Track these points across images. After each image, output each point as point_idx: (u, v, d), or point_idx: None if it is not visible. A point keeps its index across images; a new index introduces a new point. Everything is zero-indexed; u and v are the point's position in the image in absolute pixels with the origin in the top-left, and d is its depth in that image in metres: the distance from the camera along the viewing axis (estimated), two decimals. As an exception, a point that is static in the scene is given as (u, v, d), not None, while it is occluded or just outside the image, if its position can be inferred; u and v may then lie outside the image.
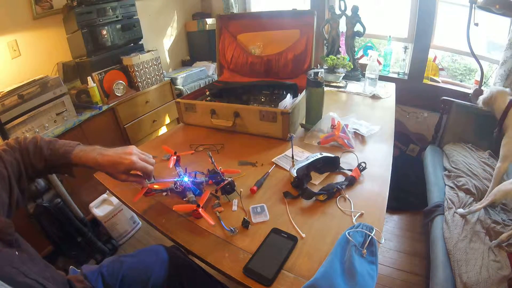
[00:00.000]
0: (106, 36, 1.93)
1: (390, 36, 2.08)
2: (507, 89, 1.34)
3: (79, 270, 0.80)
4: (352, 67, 1.79)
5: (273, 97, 1.31)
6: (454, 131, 1.75)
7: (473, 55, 1.68)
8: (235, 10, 2.62)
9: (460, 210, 1.22)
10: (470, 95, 1.74)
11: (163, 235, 0.76)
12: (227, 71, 1.62)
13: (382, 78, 1.84)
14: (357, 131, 1.14)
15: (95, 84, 1.87)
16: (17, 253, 0.54)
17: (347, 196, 0.82)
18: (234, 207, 0.81)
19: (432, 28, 1.96)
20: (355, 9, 1.85)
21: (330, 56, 1.78)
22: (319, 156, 0.91)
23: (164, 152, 1.06)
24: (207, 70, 2.63)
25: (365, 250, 0.62)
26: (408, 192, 1.90)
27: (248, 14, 2.41)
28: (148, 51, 2.17)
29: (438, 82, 2.06)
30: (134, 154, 0.68)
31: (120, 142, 2.03)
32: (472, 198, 1.32)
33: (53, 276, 0.60)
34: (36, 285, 0.51)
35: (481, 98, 1.41)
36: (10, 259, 0.51)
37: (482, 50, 1.93)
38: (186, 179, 0.84)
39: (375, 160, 0.97)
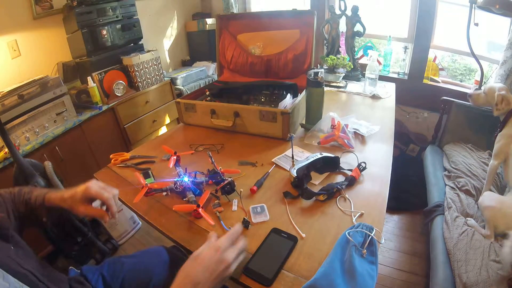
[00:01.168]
0: (106, 36, 1.93)
1: (390, 36, 2.08)
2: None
3: (78, 271, 0.80)
4: (352, 67, 1.79)
5: (273, 97, 1.31)
6: (454, 131, 1.75)
7: (473, 55, 1.68)
8: (235, 10, 2.62)
9: (472, 222, 1.19)
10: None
11: (163, 235, 0.76)
12: (227, 71, 1.62)
13: (382, 78, 1.84)
14: (357, 131, 1.14)
15: (95, 84, 1.87)
16: (12, 248, 0.55)
17: (347, 196, 0.82)
18: (234, 207, 0.81)
19: (432, 28, 1.96)
20: (355, 9, 1.85)
21: (330, 56, 1.78)
22: (319, 156, 0.91)
23: (164, 152, 1.06)
24: (207, 70, 2.63)
25: (365, 250, 0.62)
26: (408, 192, 1.90)
27: (248, 14, 2.41)
28: (148, 51, 2.17)
29: (438, 82, 2.06)
30: (92, 182, 0.69)
31: (120, 142, 2.03)
32: (474, 200, 1.32)
33: (50, 275, 0.61)
34: (30, 276, 0.52)
35: (480, 95, 1.37)
36: (7, 250, 0.53)
37: (482, 50, 1.93)
38: (186, 179, 0.84)
39: (375, 160, 0.97)
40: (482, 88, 1.39)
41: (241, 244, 0.59)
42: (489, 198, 1.14)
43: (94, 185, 0.67)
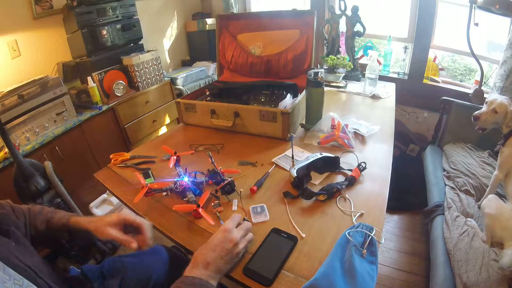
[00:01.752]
0: (106, 36, 1.93)
1: (390, 36, 2.08)
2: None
3: (79, 270, 0.80)
4: (352, 67, 1.79)
5: (273, 97, 1.31)
6: (454, 131, 1.75)
7: (473, 55, 1.68)
8: (235, 10, 2.62)
9: (472, 223, 1.19)
10: (470, 95, 1.74)
11: (163, 235, 0.76)
12: (227, 71, 1.62)
13: (382, 78, 1.84)
14: (357, 131, 1.14)
15: (95, 84, 1.87)
16: (14, 244, 0.55)
17: (347, 196, 0.82)
18: (234, 207, 0.81)
19: (432, 28, 1.96)
20: (355, 9, 1.85)
21: (330, 56, 1.78)
22: (319, 156, 0.91)
23: (164, 152, 1.06)
24: (207, 70, 2.63)
25: (365, 250, 0.62)
26: (408, 192, 1.90)
27: (248, 14, 2.41)
28: (148, 51, 2.17)
29: (438, 82, 2.06)
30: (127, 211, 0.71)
31: (120, 142, 2.03)
32: (474, 200, 1.32)
33: (49, 273, 0.61)
34: (29, 271, 0.52)
35: (489, 114, 1.21)
36: (8, 245, 0.53)
37: (482, 50, 1.93)
38: (186, 179, 0.84)
39: (375, 160, 0.97)
40: (486, 105, 1.23)
41: (247, 224, 0.67)
42: (490, 204, 1.10)
43: (128, 213, 0.69)
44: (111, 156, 1.08)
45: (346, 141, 1.05)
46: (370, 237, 0.64)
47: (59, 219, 0.68)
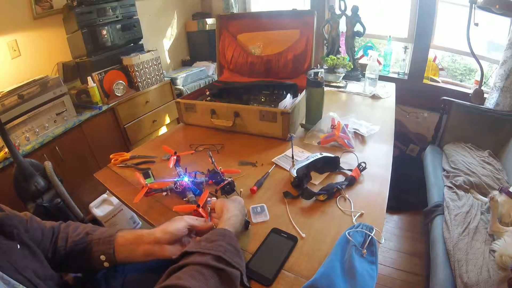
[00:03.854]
0: (106, 36, 1.93)
1: (390, 36, 2.08)
2: None
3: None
4: (352, 67, 1.79)
5: (273, 97, 1.31)
6: (454, 131, 1.75)
7: (473, 55, 1.68)
8: (235, 10, 2.62)
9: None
10: (470, 95, 1.74)
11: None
12: (227, 71, 1.62)
13: (382, 78, 1.84)
14: (357, 131, 1.14)
15: (95, 84, 1.87)
16: (18, 246, 0.54)
17: (347, 196, 0.82)
18: (234, 207, 0.80)
19: (432, 28, 1.96)
20: (355, 9, 1.85)
21: (330, 56, 1.78)
22: (319, 156, 0.91)
23: (164, 152, 1.06)
24: (207, 70, 2.63)
25: (365, 250, 0.62)
26: (408, 192, 1.90)
27: (248, 14, 2.41)
28: (148, 51, 2.17)
29: (438, 82, 2.06)
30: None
31: (120, 142, 2.03)
32: (472, 195, 1.33)
33: (53, 277, 0.61)
34: (26, 283, 0.51)
35: None
36: (9, 253, 0.52)
37: (482, 50, 1.93)
38: (186, 179, 0.84)
39: (375, 160, 0.97)
40: None
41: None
42: None
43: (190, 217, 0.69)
44: (111, 156, 1.08)
45: (346, 141, 1.05)
46: (370, 237, 0.65)
47: (103, 233, 0.66)
